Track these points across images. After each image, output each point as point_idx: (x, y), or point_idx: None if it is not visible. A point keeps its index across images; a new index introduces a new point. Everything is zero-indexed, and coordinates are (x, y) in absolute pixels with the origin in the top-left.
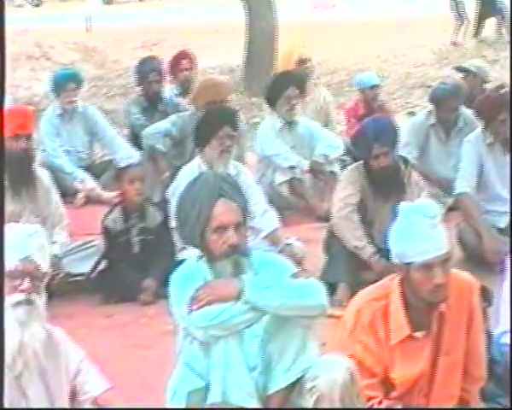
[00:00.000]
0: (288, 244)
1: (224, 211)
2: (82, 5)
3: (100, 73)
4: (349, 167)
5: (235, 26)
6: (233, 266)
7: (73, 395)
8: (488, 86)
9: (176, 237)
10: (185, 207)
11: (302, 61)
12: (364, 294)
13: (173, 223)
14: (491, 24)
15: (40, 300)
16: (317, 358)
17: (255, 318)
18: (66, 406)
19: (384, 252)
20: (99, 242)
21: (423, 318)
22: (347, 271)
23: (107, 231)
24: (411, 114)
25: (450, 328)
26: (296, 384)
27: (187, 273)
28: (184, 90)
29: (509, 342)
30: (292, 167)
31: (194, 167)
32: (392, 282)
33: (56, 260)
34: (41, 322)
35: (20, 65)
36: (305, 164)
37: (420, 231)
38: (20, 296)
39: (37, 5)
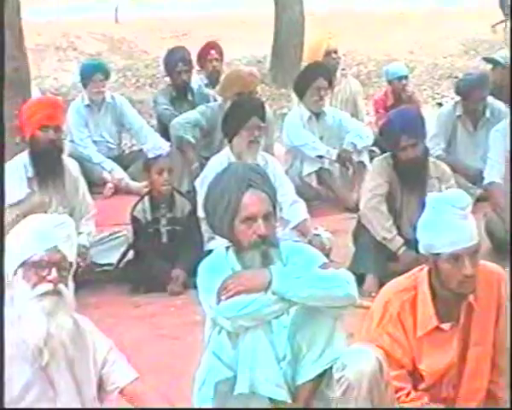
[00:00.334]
0: (316, 235)
1: (252, 201)
2: None
3: (128, 64)
4: (377, 158)
5: (262, 18)
6: (262, 256)
7: (101, 385)
8: None
9: (204, 228)
10: (214, 198)
11: (329, 52)
12: (393, 285)
13: (202, 213)
14: None
15: (67, 290)
16: (345, 348)
17: (283, 308)
18: (94, 396)
19: (412, 243)
20: (127, 232)
21: (451, 309)
22: (376, 262)
23: (135, 222)
24: (439, 105)
25: (478, 319)
26: (324, 375)
27: (215, 263)
28: (212, 80)
29: None
30: (320, 157)
31: (222, 158)
32: (420, 273)
33: (84, 251)
34: (68, 312)
35: (47, 56)
36: (334, 153)
37: (449, 222)
38: (47, 287)
39: None
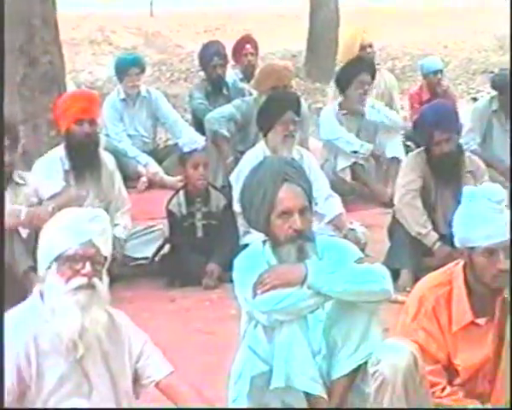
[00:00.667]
0: (351, 229)
1: (288, 196)
2: None
3: (162, 58)
4: (411, 153)
5: (296, 12)
6: (297, 251)
7: (136, 378)
8: None
9: (239, 222)
10: (250, 192)
11: (364, 47)
12: (428, 280)
13: (237, 207)
14: None
15: (101, 284)
16: (380, 343)
17: (319, 303)
18: (130, 389)
19: (447, 238)
20: (162, 226)
21: (486, 304)
22: (411, 257)
23: (171, 216)
24: (474, 99)
25: None
26: (359, 370)
27: (251, 258)
28: (247, 74)
29: None
30: (354, 152)
31: (258, 152)
32: (455, 268)
33: (119, 244)
34: (102, 306)
35: (81, 50)
36: (368, 148)
37: (485, 215)
38: (81, 281)
39: None
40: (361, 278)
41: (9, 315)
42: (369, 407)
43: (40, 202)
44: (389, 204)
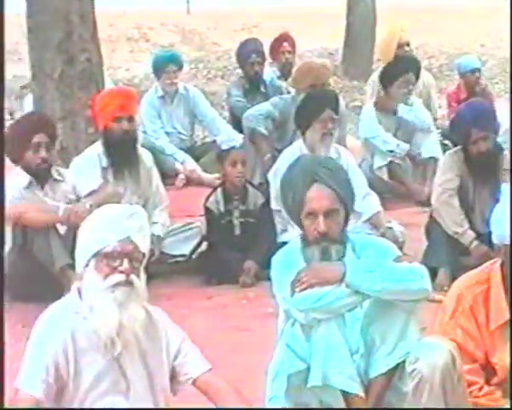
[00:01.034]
0: (389, 228)
1: (315, 196)
2: None
3: (199, 55)
4: (448, 152)
5: (333, 10)
6: (321, 253)
7: (173, 375)
8: None
9: (276, 220)
10: (284, 191)
11: (402, 45)
12: (465, 278)
13: (274, 205)
14: None
15: (139, 281)
16: (417, 341)
17: (357, 301)
18: (167, 386)
19: (485, 237)
20: (200, 223)
21: None
22: (448, 256)
23: (208, 213)
24: None
25: None
26: (397, 368)
27: (289, 256)
28: (284, 72)
29: None
30: (390, 152)
31: (295, 150)
32: (493, 266)
33: (157, 242)
34: (140, 303)
35: (118, 47)
36: (405, 148)
37: None
38: (119, 277)
39: None
40: (399, 277)
41: (47, 312)
42: (406, 405)
43: (78, 199)
44: (426, 203)
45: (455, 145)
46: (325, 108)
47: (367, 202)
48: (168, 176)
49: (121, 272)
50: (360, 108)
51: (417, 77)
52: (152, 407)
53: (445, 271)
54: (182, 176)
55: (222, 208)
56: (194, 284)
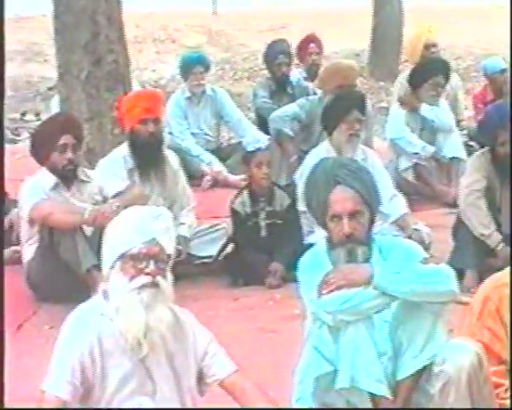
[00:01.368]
0: (416, 230)
1: (339, 199)
2: None
3: (226, 56)
4: (475, 154)
5: (359, 11)
6: (347, 255)
7: (200, 377)
8: None
9: (303, 221)
10: (307, 194)
11: (429, 46)
12: (492, 280)
13: (301, 207)
14: None
15: (166, 282)
16: (445, 343)
17: (385, 303)
18: (194, 388)
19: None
20: (226, 225)
21: None
22: (475, 257)
23: (235, 215)
24: None
25: None
26: (425, 370)
27: (316, 258)
28: (311, 73)
29: None
30: (415, 154)
31: (321, 151)
32: None
33: (184, 243)
34: (167, 304)
35: (145, 48)
36: (430, 150)
37: None
38: (145, 279)
39: None
40: (427, 279)
41: (74, 314)
42: (432, 407)
43: (105, 201)
44: (452, 204)
45: (481, 147)
46: (352, 109)
47: (394, 204)
48: (194, 177)
49: (147, 273)
50: (386, 109)
51: (447, 80)
52: (179, 407)
53: (471, 272)
54: (208, 177)
55: (248, 210)
56: (220, 286)
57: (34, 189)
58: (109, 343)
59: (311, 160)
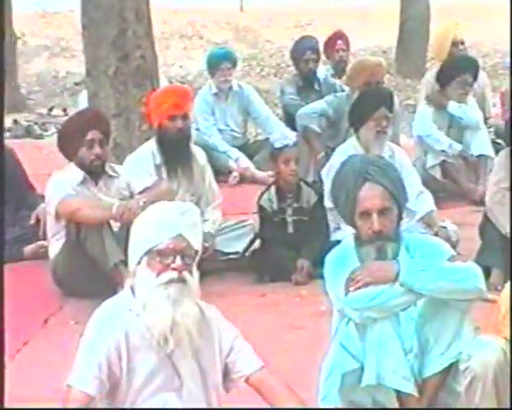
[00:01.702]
0: (442, 227)
1: (368, 196)
2: None
3: (253, 53)
4: (503, 151)
5: (386, 8)
6: (376, 251)
7: (226, 373)
8: None
9: (330, 218)
10: (335, 191)
11: (456, 43)
12: None
13: (328, 203)
14: None
15: (192, 278)
16: (471, 340)
17: (411, 301)
18: (219, 384)
19: None
20: (253, 221)
21: None
22: (502, 255)
23: (262, 211)
24: None
25: None
26: (451, 368)
27: (343, 254)
28: (338, 70)
29: None
30: (442, 151)
31: (349, 148)
32: None
33: (209, 239)
34: (193, 300)
35: (172, 44)
36: (457, 148)
37: None
38: (172, 275)
39: None
40: (454, 276)
41: (101, 310)
42: (460, 405)
43: (132, 196)
44: (480, 202)
45: (509, 144)
46: (380, 106)
47: (421, 201)
48: (221, 173)
49: (174, 269)
50: (413, 106)
51: (475, 78)
52: (204, 404)
53: (498, 270)
54: (235, 173)
55: (275, 206)
56: (247, 282)
57: (61, 184)
58: (136, 339)
59: (339, 157)
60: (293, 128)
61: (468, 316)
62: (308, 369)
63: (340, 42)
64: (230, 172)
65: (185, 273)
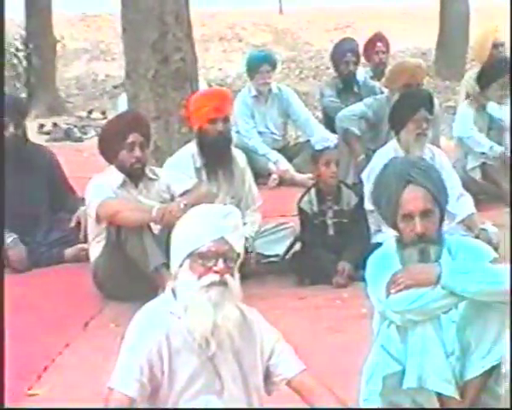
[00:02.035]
0: (483, 229)
1: (410, 198)
2: None
3: (292, 55)
4: None
5: (426, 10)
6: (420, 254)
7: (267, 376)
8: None
9: (370, 220)
10: (377, 193)
11: (497, 46)
12: None
13: (368, 206)
14: None
15: (234, 281)
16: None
17: (453, 303)
18: (261, 387)
19: None
20: (293, 224)
21: None
22: None
23: (302, 213)
24: None
25: None
26: (493, 371)
27: (384, 257)
28: (377, 73)
29: None
30: (482, 153)
31: (389, 151)
32: None
33: (249, 241)
34: (234, 303)
35: (211, 46)
36: (498, 150)
37: None
38: (214, 277)
39: None
40: (496, 279)
41: (142, 312)
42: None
43: (172, 199)
44: None
45: None
46: (420, 108)
47: (461, 203)
48: (261, 176)
49: (216, 272)
50: (453, 108)
51: None
52: (246, 407)
53: None
54: (275, 176)
55: (315, 208)
56: (287, 285)
57: (102, 187)
58: (177, 341)
59: (379, 159)
60: (333, 130)
61: (509, 318)
62: (349, 371)
63: (379, 44)
64: (270, 174)
65: (227, 276)
